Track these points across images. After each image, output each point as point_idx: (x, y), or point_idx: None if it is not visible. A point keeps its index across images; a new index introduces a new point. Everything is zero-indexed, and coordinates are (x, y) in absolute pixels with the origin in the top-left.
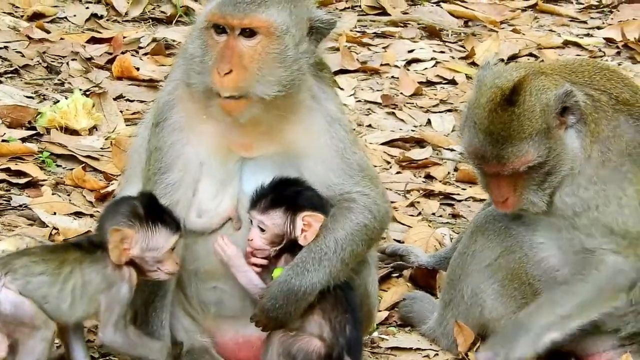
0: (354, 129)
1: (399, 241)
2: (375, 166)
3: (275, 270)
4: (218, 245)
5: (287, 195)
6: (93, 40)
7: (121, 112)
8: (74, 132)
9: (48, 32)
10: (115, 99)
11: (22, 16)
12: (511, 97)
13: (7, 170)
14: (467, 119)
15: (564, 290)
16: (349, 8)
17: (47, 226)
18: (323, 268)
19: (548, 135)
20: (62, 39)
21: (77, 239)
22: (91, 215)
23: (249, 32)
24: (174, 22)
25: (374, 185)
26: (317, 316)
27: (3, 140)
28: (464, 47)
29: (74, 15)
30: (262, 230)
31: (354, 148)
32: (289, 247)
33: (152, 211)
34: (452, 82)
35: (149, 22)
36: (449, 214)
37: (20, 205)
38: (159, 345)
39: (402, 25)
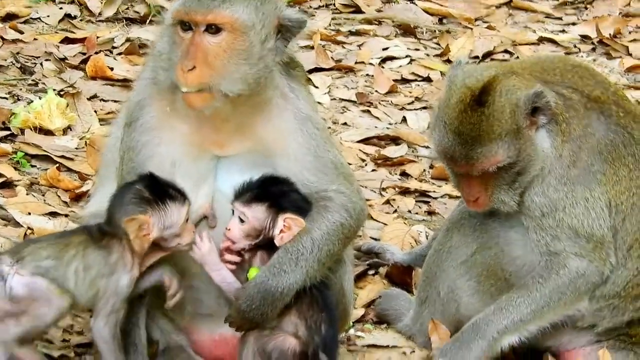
0: (328, 127)
1: (374, 239)
2: (351, 164)
3: (250, 269)
4: (196, 241)
5: (274, 193)
6: (67, 41)
7: (95, 112)
8: (48, 132)
9: (21, 32)
10: (89, 99)
11: None
12: (480, 97)
13: None
14: (437, 118)
15: (522, 295)
16: (323, 6)
17: (22, 226)
18: (300, 268)
19: (518, 136)
20: (35, 39)
21: (88, 225)
22: (66, 215)
23: (214, 29)
24: (147, 21)
25: (349, 183)
26: (292, 315)
27: None
28: (439, 45)
29: (48, 16)
30: (242, 221)
31: (327, 146)
32: (265, 245)
33: (157, 190)
34: (427, 80)
35: (123, 22)
36: (425, 212)
37: None
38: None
39: (376, 23)
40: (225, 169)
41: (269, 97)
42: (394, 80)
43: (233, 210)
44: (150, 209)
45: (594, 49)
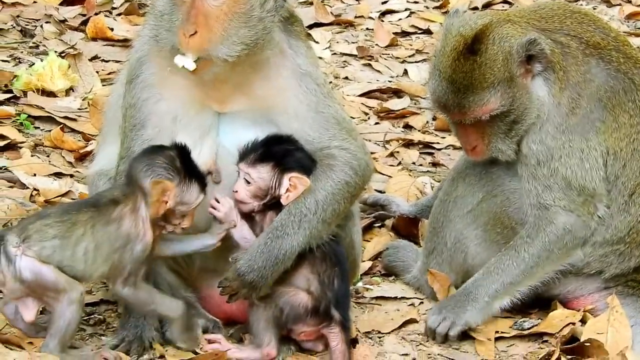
0: (330, 82)
1: (380, 191)
2: (354, 118)
3: None
4: (213, 204)
5: (278, 152)
6: (66, 2)
7: (97, 72)
8: (50, 94)
9: None
10: (90, 60)
11: None
12: (473, 45)
13: None
14: (433, 67)
15: (511, 256)
16: None
17: (28, 187)
18: (303, 230)
19: (512, 84)
20: (35, 2)
21: (98, 194)
22: (71, 176)
23: None
24: None
25: (352, 138)
26: (305, 270)
27: None
28: None
29: None
30: (248, 182)
31: (328, 101)
32: (274, 205)
33: (188, 165)
34: (427, 32)
35: None
36: (429, 163)
37: (0, 168)
38: (173, 302)
39: None
40: (227, 125)
41: (268, 55)
42: (394, 34)
43: (239, 172)
44: (177, 179)
45: None
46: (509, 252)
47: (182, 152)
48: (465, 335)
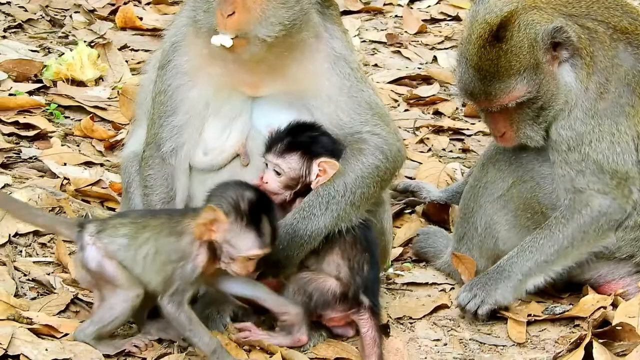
0: (363, 66)
1: (410, 178)
2: None
3: None
4: None
5: (304, 140)
6: None
7: (126, 61)
8: (80, 84)
9: None
10: (119, 49)
11: None
12: (498, 32)
13: (16, 123)
14: (460, 55)
15: (546, 236)
16: None
17: (58, 177)
18: (330, 212)
19: (537, 71)
20: None
21: (180, 209)
22: (101, 165)
23: None
24: None
25: (385, 124)
26: (335, 255)
27: (10, 94)
28: None
29: None
30: (278, 174)
31: (362, 85)
32: (304, 191)
33: (255, 214)
34: (456, 19)
35: None
36: (459, 149)
37: (31, 158)
38: (208, 337)
39: None
40: (259, 108)
41: (304, 38)
42: (423, 21)
43: (266, 164)
44: (232, 217)
45: None
46: (543, 231)
47: (259, 201)
48: (497, 318)
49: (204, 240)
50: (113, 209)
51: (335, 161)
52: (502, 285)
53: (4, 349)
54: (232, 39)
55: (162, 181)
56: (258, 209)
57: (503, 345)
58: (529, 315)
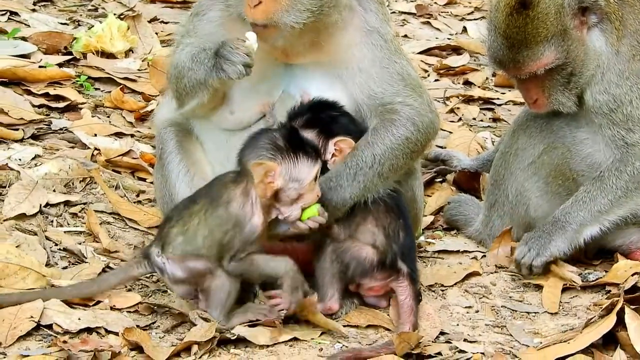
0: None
1: (440, 147)
2: None
3: (306, 210)
4: None
5: (323, 118)
6: None
7: (156, 34)
8: (110, 56)
9: None
10: (149, 22)
11: None
12: (525, 0)
13: (46, 95)
14: (488, 23)
15: (599, 187)
16: None
17: (89, 147)
18: (357, 183)
19: (566, 37)
20: None
21: (214, 180)
22: (132, 135)
23: None
24: None
25: (417, 95)
26: (369, 224)
27: (40, 66)
28: None
29: None
30: None
31: (395, 57)
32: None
33: (292, 142)
34: None
35: None
36: (489, 118)
37: (61, 129)
38: (277, 260)
39: None
40: (292, 73)
41: (334, 16)
42: None
43: None
44: (280, 158)
45: None
46: (596, 182)
47: (287, 130)
48: (530, 286)
49: (269, 196)
50: (144, 179)
51: (351, 140)
52: (556, 237)
53: (36, 322)
54: (262, 26)
55: None
56: (293, 137)
57: (535, 312)
58: (565, 284)
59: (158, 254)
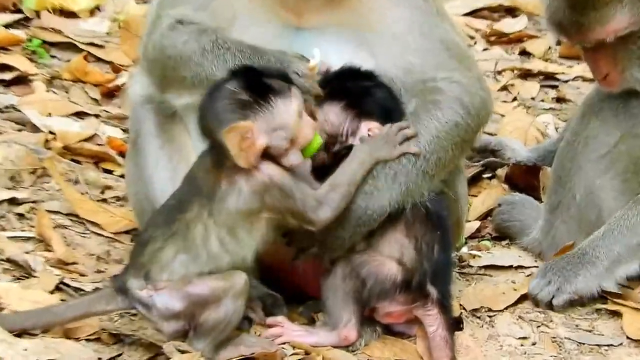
0: None
1: (490, 134)
2: None
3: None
4: None
5: (354, 89)
6: None
7: None
8: (70, 15)
9: None
10: None
11: None
12: None
13: None
14: None
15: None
16: None
17: (42, 130)
18: (398, 185)
19: None
20: None
21: (188, 176)
22: (96, 116)
23: None
24: None
25: (465, 68)
26: (399, 234)
27: None
28: None
29: None
30: None
31: (436, 20)
32: (344, 155)
33: (256, 88)
34: None
35: None
36: (552, 98)
37: (7, 107)
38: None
39: None
40: (303, 42)
41: None
42: None
43: None
44: (251, 113)
45: None
46: (636, 205)
47: (242, 77)
48: (603, 312)
49: (255, 161)
50: (111, 172)
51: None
52: (583, 272)
53: None
54: None
55: None
56: (253, 82)
57: (608, 345)
58: None
59: (142, 286)
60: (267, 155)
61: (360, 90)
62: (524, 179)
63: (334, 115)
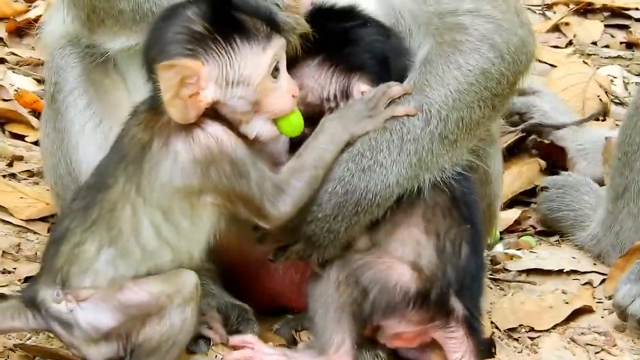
0: None
1: (530, 92)
2: None
3: (281, 120)
4: None
5: (334, 32)
6: None
7: None
8: None
9: None
10: None
11: None
12: None
13: None
14: None
15: None
16: None
17: None
18: (406, 156)
19: None
20: None
21: (116, 140)
22: (2, 61)
23: None
24: None
25: None
26: (415, 227)
27: None
28: None
29: None
30: None
31: None
32: None
33: (219, 20)
34: None
35: None
36: (621, 43)
37: None
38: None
39: None
40: None
41: None
42: None
43: None
44: (203, 52)
45: None
46: None
47: (206, 3)
48: None
49: (195, 117)
50: (22, 137)
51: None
52: None
53: None
54: None
55: None
56: (220, 9)
57: None
58: None
59: (57, 296)
60: (219, 117)
61: (343, 33)
62: (553, 158)
63: (311, 76)
